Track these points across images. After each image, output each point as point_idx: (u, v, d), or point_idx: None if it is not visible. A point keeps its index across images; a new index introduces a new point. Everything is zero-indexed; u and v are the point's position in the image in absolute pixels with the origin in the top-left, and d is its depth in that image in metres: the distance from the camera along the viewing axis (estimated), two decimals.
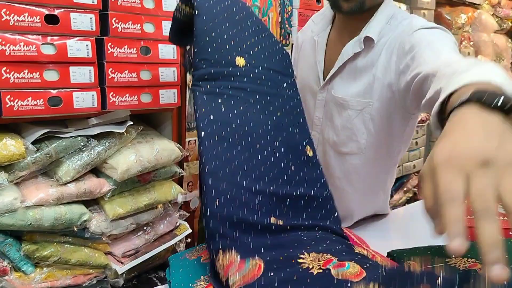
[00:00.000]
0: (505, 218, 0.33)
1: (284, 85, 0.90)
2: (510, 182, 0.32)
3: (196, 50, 0.84)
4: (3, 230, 0.98)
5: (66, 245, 1.10)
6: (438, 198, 0.33)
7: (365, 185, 1.10)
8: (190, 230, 1.37)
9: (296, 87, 0.93)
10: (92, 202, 1.17)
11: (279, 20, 1.55)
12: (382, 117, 1.00)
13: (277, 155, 0.78)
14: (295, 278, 0.50)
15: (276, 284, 0.49)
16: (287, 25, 1.59)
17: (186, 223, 1.41)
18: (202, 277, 0.58)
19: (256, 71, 0.86)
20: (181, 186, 1.41)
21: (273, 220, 0.65)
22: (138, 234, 1.26)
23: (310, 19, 1.23)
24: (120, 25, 1.05)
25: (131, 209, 1.18)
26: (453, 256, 0.60)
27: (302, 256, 0.55)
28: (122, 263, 1.18)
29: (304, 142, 0.84)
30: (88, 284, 1.13)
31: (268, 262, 0.54)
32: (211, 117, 0.73)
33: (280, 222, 0.65)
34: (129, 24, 1.06)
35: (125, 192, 1.21)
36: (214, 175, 0.66)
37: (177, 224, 1.40)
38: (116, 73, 1.06)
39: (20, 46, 0.90)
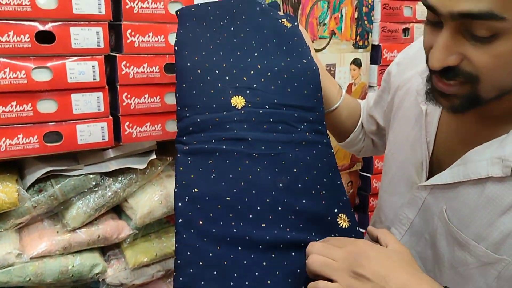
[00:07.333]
0: None
1: (304, 125, 0.64)
2: None
3: (178, 95, 0.62)
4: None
5: None
6: None
7: None
8: None
9: (324, 123, 0.66)
10: (113, 245, 0.99)
11: (355, 15, 1.24)
12: None
13: (292, 233, 0.54)
14: None
15: None
16: (366, 22, 1.26)
17: None
18: None
19: (261, 111, 0.62)
20: None
21: None
22: (169, 281, 1.07)
23: (415, 59, 0.74)
24: (138, 38, 0.83)
25: (157, 256, 0.99)
26: None
27: None
28: None
29: (336, 210, 0.59)
30: None
31: None
32: (195, 192, 0.52)
33: None
34: (149, 36, 0.84)
35: (152, 234, 1.01)
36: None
37: None
38: (133, 98, 0.85)
39: (5, 73, 0.72)
